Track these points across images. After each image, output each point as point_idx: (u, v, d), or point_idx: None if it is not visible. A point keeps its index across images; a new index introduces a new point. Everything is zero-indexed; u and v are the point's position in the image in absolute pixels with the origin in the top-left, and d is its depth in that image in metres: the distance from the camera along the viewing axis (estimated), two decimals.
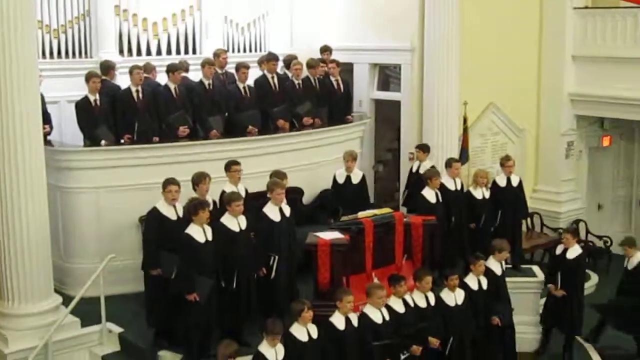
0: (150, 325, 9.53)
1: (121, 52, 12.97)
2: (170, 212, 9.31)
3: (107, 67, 11.86)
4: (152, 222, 9.34)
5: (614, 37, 14.36)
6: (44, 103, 10.30)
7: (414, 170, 12.55)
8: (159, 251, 9.15)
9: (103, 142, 10.79)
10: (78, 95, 11.16)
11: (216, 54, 12.45)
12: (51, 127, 11.13)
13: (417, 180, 12.01)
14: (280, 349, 8.13)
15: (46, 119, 10.67)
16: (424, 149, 12.44)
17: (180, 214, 9.33)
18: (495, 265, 10.52)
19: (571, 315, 10.91)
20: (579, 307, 10.99)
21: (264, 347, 8.06)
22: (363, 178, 11.81)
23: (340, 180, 11.58)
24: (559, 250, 11.11)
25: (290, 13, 15.03)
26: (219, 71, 12.25)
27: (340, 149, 11.98)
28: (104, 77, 11.44)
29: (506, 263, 10.91)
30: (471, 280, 10.15)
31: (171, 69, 11.35)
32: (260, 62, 12.74)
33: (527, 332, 11.17)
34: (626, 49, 14.11)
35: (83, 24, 12.78)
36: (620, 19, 14.23)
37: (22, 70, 8.96)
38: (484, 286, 10.23)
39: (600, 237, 14.69)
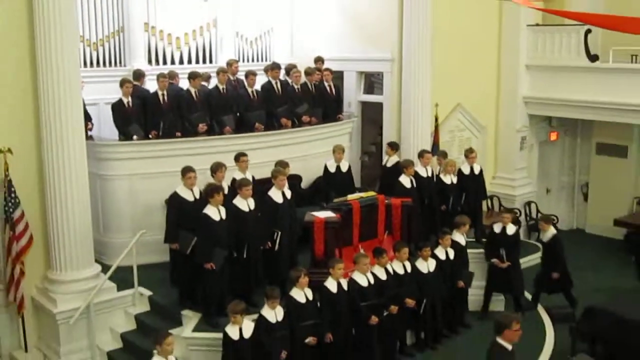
0: (174, 286, 9.57)
1: (149, 61, 12.94)
2: (188, 195, 9.31)
3: (138, 75, 11.86)
4: (173, 203, 9.35)
5: (560, 50, 14.36)
6: (83, 105, 10.31)
7: (383, 164, 12.59)
8: (177, 229, 9.16)
9: (135, 137, 10.78)
10: (114, 98, 11.13)
11: (229, 64, 12.41)
12: (92, 125, 11.12)
13: (388, 172, 12.05)
14: (280, 311, 8.18)
15: (87, 118, 10.69)
16: (392, 146, 12.45)
17: (197, 197, 9.35)
18: (459, 237, 10.59)
19: (516, 281, 10.98)
20: (520, 272, 11.09)
21: (265, 311, 8.13)
22: (349, 167, 11.81)
23: (332, 169, 11.54)
24: (497, 228, 11.07)
25: (291, 29, 14.99)
26: (232, 78, 12.20)
27: (332, 143, 11.95)
28: (135, 83, 11.43)
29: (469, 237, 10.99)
30: (440, 252, 10.20)
31: (192, 76, 11.32)
32: (266, 70, 12.67)
33: (477, 294, 11.18)
34: (570, 60, 14.11)
35: (117, 38, 12.78)
36: (565, 35, 14.23)
37: (67, 77, 9.03)
38: (451, 256, 10.29)
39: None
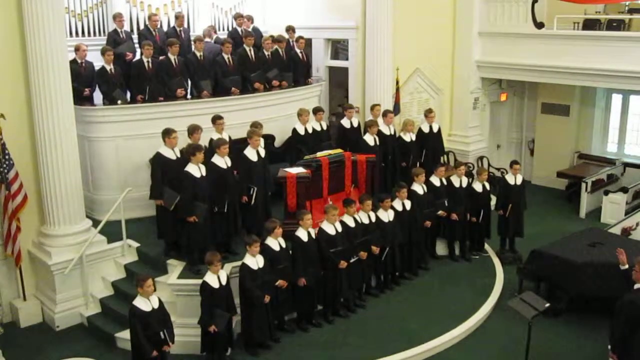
0: (161, 238, 9.56)
1: (131, 31, 12.68)
2: (170, 154, 9.25)
3: (115, 16, 11.70)
4: (157, 163, 9.26)
5: (509, 18, 14.35)
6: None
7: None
8: (161, 186, 9.11)
9: (119, 101, 10.64)
10: (97, 65, 10.93)
11: (205, 33, 12.27)
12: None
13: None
14: (260, 258, 8.23)
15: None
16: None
17: (178, 155, 9.30)
18: (418, 187, 10.64)
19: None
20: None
21: (247, 259, 8.16)
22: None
23: (301, 131, 11.44)
24: (457, 182, 11.17)
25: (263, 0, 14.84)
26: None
27: (303, 105, 11.90)
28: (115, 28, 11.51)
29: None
30: (397, 203, 10.24)
31: (169, 44, 11.14)
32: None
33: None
34: (519, 27, 14.12)
35: (101, 9, 12.57)
36: (514, 4, 14.21)
37: (54, 45, 8.86)
38: (407, 207, 10.33)
39: (498, 169, 14.93)
